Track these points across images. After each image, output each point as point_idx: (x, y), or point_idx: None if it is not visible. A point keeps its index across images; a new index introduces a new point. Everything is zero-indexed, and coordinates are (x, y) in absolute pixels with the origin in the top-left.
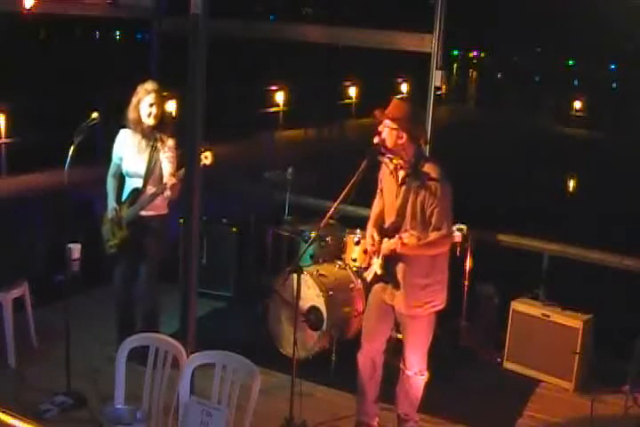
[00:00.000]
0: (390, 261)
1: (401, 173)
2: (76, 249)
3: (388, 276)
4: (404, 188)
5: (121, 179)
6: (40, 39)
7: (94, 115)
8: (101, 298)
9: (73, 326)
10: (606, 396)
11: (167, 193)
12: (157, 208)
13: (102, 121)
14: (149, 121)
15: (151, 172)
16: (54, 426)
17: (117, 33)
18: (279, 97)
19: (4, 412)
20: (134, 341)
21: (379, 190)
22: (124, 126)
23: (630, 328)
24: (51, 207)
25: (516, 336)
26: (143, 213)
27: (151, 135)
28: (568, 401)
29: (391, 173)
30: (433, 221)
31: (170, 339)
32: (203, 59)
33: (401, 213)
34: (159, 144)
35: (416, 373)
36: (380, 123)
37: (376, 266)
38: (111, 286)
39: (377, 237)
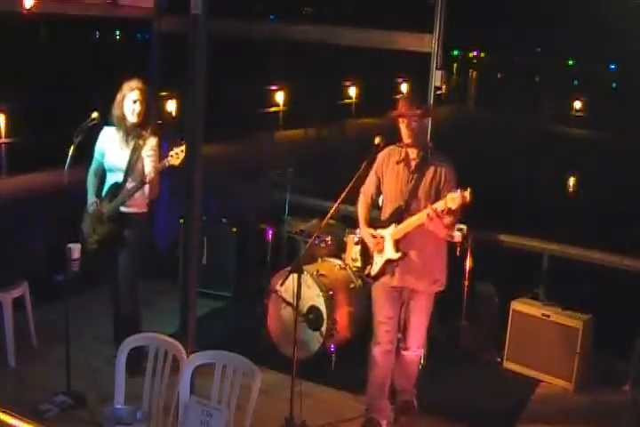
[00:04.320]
0: (402, 244)
1: (413, 160)
2: (76, 249)
3: (403, 258)
4: (416, 175)
5: (102, 176)
6: (40, 39)
7: (94, 115)
8: (101, 298)
9: (73, 326)
10: (606, 396)
11: (146, 188)
12: (138, 206)
13: (102, 121)
14: (133, 118)
15: (132, 168)
16: (54, 426)
17: (117, 33)
18: (279, 97)
19: (4, 412)
20: (134, 341)
21: (373, 182)
22: (107, 124)
23: (630, 328)
24: (50, 207)
25: (516, 336)
26: (124, 209)
27: (134, 132)
28: (568, 401)
29: (399, 161)
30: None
31: (170, 339)
32: (203, 59)
33: (413, 196)
34: (141, 141)
35: (414, 351)
36: (403, 119)
37: (388, 253)
38: (110, 286)
39: (377, 234)
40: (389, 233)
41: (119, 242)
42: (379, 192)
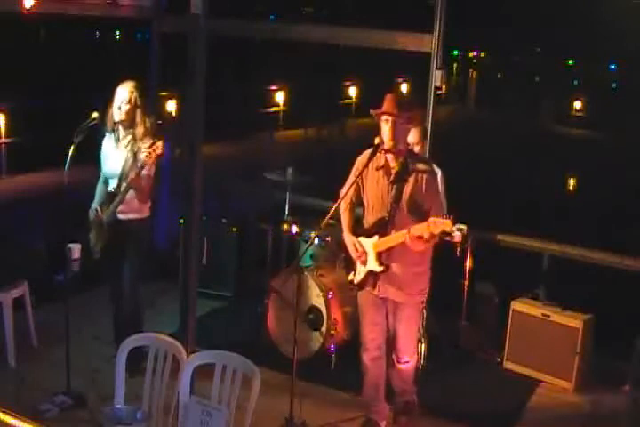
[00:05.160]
0: (384, 256)
1: (393, 167)
2: (76, 249)
3: (386, 271)
4: (396, 184)
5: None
6: (40, 39)
7: (94, 115)
8: (101, 298)
9: (73, 326)
10: (606, 396)
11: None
12: (136, 211)
13: (102, 122)
14: (119, 116)
15: (126, 172)
16: (54, 426)
17: (117, 33)
18: (279, 97)
19: (4, 412)
20: (134, 341)
21: (353, 188)
22: (107, 130)
23: (630, 328)
24: (50, 207)
25: (516, 336)
26: (122, 216)
27: (126, 134)
28: (568, 401)
29: (379, 168)
30: (432, 211)
31: (170, 339)
32: (203, 59)
33: (395, 208)
34: (134, 143)
35: (408, 360)
36: (388, 118)
37: (370, 265)
38: (110, 289)
39: (360, 247)
40: (372, 244)
41: (121, 250)
42: (359, 197)
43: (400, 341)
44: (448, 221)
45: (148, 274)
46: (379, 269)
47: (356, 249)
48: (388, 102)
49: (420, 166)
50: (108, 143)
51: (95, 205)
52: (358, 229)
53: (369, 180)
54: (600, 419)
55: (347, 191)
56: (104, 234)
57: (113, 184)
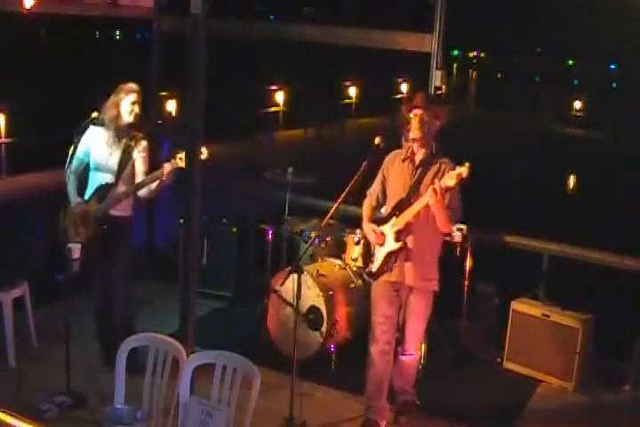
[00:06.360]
0: (402, 235)
1: (418, 157)
2: (76, 249)
3: (404, 248)
4: (420, 169)
5: (82, 175)
6: (40, 39)
7: (94, 115)
8: None
9: (73, 326)
10: (606, 396)
11: (142, 192)
12: (124, 209)
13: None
14: (129, 118)
15: (123, 169)
16: (54, 426)
17: (117, 33)
18: (279, 97)
19: (4, 412)
20: (134, 341)
21: (379, 182)
22: (94, 123)
23: (630, 328)
24: (50, 207)
25: (516, 336)
26: (115, 212)
27: (126, 132)
28: (568, 401)
29: (405, 159)
30: (447, 198)
31: (170, 339)
32: (203, 59)
33: (414, 191)
34: (133, 142)
35: (412, 354)
36: (417, 114)
37: (389, 246)
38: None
39: (378, 229)
40: (390, 225)
41: (108, 247)
42: (384, 192)
43: (408, 333)
44: (462, 169)
45: (148, 274)
46: (397, 246)
47: (374, 231)
48: (418, 98)
49: (445, 160)
50: (97, 136)
51: (76, 197)
52: (377, 221)
53: (393, 172)
54: (600, 419)
55: (374, 187)
56: (89, 229)
57: (103, 178)
